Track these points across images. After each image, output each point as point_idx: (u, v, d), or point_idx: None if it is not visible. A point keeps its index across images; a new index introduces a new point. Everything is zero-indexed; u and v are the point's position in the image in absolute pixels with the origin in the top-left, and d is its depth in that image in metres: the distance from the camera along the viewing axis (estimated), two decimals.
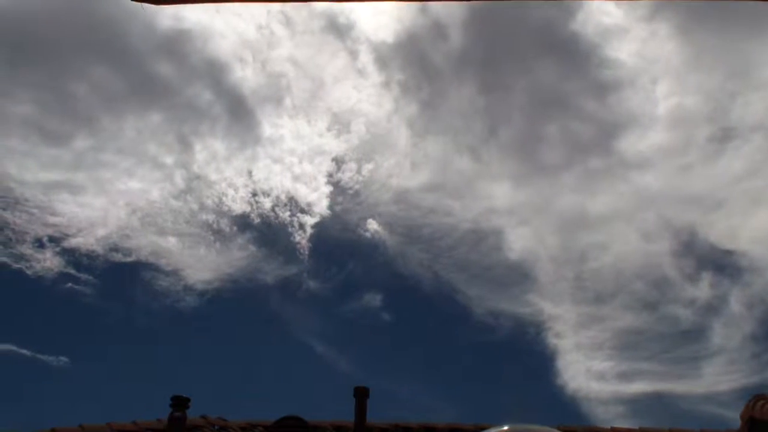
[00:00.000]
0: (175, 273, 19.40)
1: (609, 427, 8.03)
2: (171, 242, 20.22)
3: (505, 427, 4.47)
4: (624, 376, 17.72)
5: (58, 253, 18.86)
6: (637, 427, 8.01)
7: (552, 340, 18.87)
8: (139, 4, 2.37)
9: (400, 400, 17.22)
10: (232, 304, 20.27)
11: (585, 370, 18.14)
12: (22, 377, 18.19)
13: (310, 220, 20.63)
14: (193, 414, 6.69)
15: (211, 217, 20.53)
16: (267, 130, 21.76)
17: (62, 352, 18.10)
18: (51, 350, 18.03)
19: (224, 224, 20.56)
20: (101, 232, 19.38)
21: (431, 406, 16.83)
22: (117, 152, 20.80)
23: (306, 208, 20.73)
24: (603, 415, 16.78)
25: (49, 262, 18.78)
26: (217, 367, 19.06)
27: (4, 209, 18.71)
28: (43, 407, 16.49)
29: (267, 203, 20.69)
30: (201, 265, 20.03)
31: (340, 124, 21.77)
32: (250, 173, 20.98)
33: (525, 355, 19.56)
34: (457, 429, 7.67)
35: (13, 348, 17.66)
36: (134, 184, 20.60)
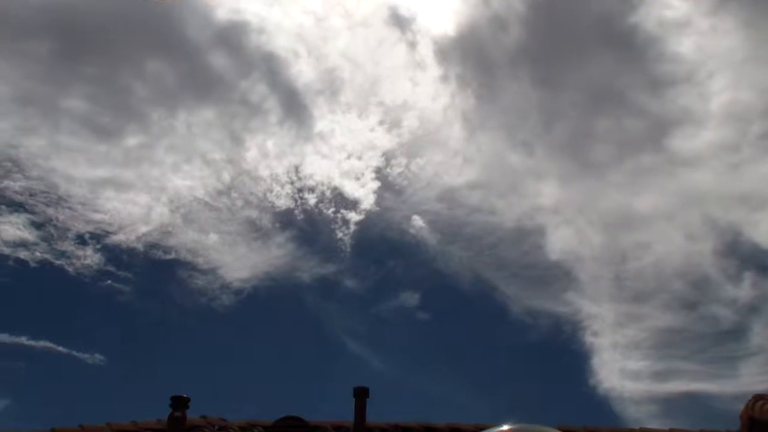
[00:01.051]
0: (212, 271, 19.33)
1: (609, 427, 8.05)
2: (211, 240, 20.10)
3: (505, 427, 4.47)
4: (659, 376, 17.63)
5: (98, 250, 18.90)
6: (637, 428, 8.05)
7: (588, 339, 18.75)
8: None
9: (432, 399, 17.22)
10: (267, 303, 20.15)
11: (619, 369, 18.00)
12: (58, 375, 18.18)
13: (354, 217, 20.49)
14: (193, 414, 6.69)
15: (254, 214, 20.38)
16: (319, 125, 21.51)
17: (99, 350, 18.06)
18: (87, 348, 17.98)
19: (266, 221, 20.42)
20: (143, 229, 19.35)
21: (463, 405, 16.71)
22: (166, 148, 20.71)
23: (351, 205, 20.58)
24: (635, 415, 16.70)
25: (89, 259, 18.81)
26: (246, 367, 19.00)
27: (47, 205, 18.67)
28: (77, 405, 16.46)
29: (312, 199, 20.57)
30: (239, 263, 19.91)
31: (392, 118, 21.50)
32: (297, 169, 20.75)
33: (560, 354, 19.48)
34: (457, 429, 7.67)
35: (50, 345, 17.66)
36: (180, 181, 20.41)
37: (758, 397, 6.72)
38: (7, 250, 18.09)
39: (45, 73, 19.73)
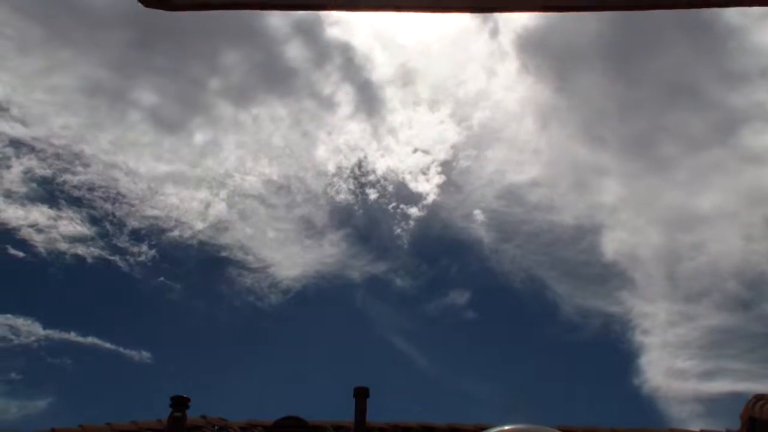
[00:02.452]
0: (262, 270, 19.00)
1: (609, 427, 8.05)
2: (265, 237, 19.83)
3: (505, 427, 4.47)
4: (705, 375, 17.30)
5: (153, 246, 18.77)
6: (637, 427, 8.04)
7: (638, 338, 18.37)
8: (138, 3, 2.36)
9: (476, 399, 17.14)
10: (315, 302, 19.86)
11: (666, 368, 17.68)
12: (104, 372, 18.06)
13: (415, 212, 19.99)
14: (193, 414, 6.69)
15: (310, 211, 20.08)
16: (390, 118, 20.99)
17: (146, 347, 17.85)
18: (135, 345, 17.81)
19: (323, 218, 20.11)
20: (199, 225, 19.17)
21: (504, 405, 16.60)
22: (233, 143, 20.54)
23: (414, 199, 20.06)
24: (679, 415, 16.43)
25: (143, 255, 18.72)
26: (288, 367, 18.77)
27: (105, 200, 18.57)
28: (121, 403, 16.41)
29: (373, 194, 20.16)
30: (290, 261, 19.62)
31: (464, 111, 20.78)
32: (361, 163, 20.33)
33: (607, 353, 19.19)
34: (457, 429, 7.68)
35: (98, 341, 17.56)
36: (242, 176, 19.98)
37: (758, 397, 6.72)
38: (64, 246, 17.98)
39: (115, 63, 19.59)
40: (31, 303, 18.05)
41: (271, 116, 20.61)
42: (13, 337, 16.93)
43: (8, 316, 17.08)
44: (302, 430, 6.94)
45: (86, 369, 17.73)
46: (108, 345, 17.60)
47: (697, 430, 7.90)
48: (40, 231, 17.93)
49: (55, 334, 17.28)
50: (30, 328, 17.08)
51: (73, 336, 17.38)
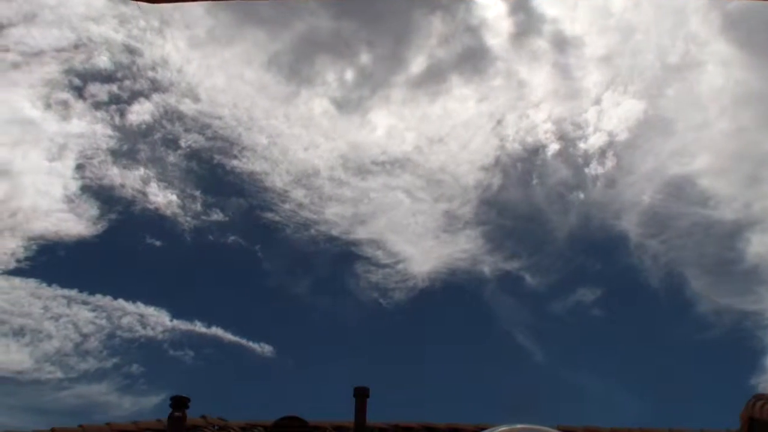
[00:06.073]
0: (391, 266, 18.62)
1: (609, 427, 8.06)
2: (398, 231, 19.38)
3: (506, 427, 4.47)
4: None
5: (285, 238, 18.78)
6: (636, 428, 8.04)
7: None
8: (136, 3, 2.37)
9: (589, 397, 16.77)
10: (440, 299, 19.28)
11: None
12: (223, 364, 17.94)
13: (578, 197, 19.41)
14: (193, 414, 6.69)
15: (453, 206, 19.47)
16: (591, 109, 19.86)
17: (269, 340, 17.60)
18: (257, 337, 17.54)
19: (468, 212, 19.45)
20: (338, 220, 18.95)
21: (621, 405, 16.11)
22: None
23: (568, 193, 19.46)
24: None
25: (278, 246, 18.81)
26: (400, 367, 18.24)
27: (250, 190, 18.56)
28: (238, 398, 16.24)
29: (538, 187, 19.82)
30: (421, 257, 19.11)
31: (651, 92, 19.42)
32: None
33: (733, 352, 18.27)
34: (457, 429, 7.68)
35: (220, 332, 17.40)
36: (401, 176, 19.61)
37: (758, 397, 6.71)
38: (203, 234, 18.25)
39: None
40: (162, 292, 18.06)
41: (459, 110, 19.93)
42: (139, 328, 16.94)
43: (139, 304, 17.14)
44: (302, 431, 6.94)
45: (206, 362, 17.59)
46: (230, 336, 17.38)
47: (697, 430, 7.90)
48: (181, 217, 18.07)
49: (180, 324, 17.22)
50: (158, 319, 17.09)
51: (197, 326, 17.30)
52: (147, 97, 18.15)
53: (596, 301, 18.77)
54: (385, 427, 7.47)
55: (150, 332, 16.96)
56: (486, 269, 18.98)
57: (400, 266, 18.59)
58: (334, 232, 18.73)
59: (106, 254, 18.25)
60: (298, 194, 18.69)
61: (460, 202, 19.35)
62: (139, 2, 2.37)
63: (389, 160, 19.41)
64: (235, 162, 18.42)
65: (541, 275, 19.09)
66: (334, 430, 7.37)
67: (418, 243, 19.26)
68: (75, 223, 17.13)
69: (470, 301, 19.71)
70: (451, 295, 19.37)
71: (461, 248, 18.94)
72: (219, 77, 19.68)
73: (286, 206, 18.51)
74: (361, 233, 18.87)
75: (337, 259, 19.30)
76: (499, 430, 4.45)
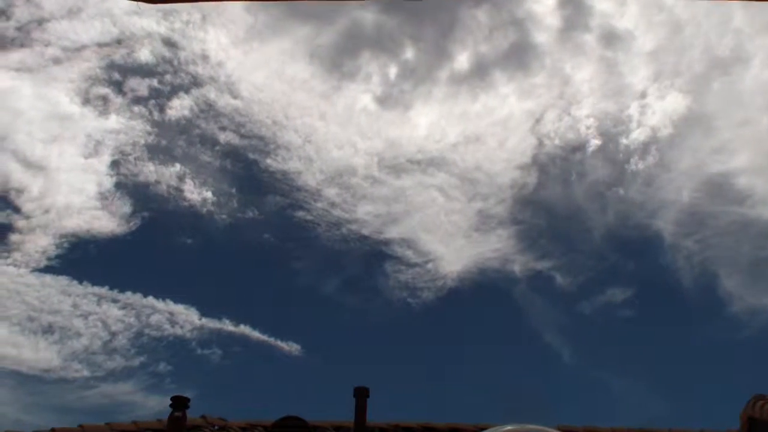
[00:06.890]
0: (421, 265, 18.46)
1: (609, 427, 8.05)
2: (433, 233, 19.28)
3: (505, 428, 4.47)
4: None
5: (316, 238, 18.76)
6: (636, 428, 8.03)
7: None
8: (135, 3, 2.37)
9: (617, 398, 16.71)
10: (469, 298, 19.12)
11: None
12: (250, 363, 17.91)
13: (616, 193, 19.20)
14: (193, 414, 6.69)
15: (487, 205, 19.35)
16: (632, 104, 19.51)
17: (297, 339, 17.53)
18: (286, 336, 17.46)
19: (501, 211, 19.26)
20: (370, 219, 18.85)
21: (649, 406, 15.78)
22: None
23: (607, 190, 19.19)
24: None
25: (309, 245, 18.80)
26: (425, 368, 18.21)
27: (282, 188, 18.53)
28: (263, 398, 16.42)
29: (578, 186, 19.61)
30: (452, 256, 18.90)
31: (694, 86, 19.06)
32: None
33: (755, 352, 17.84)
34: (457, 429, 7.67)
35: (248, 330, 17.34)
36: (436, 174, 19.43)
37: (758, 397, 6.71)
38: (234, 231, 18.32)
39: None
40: (192, 290, 18.08)
41: (500, 109, 19.81)
42: (168, 326, 16.89)
43: (168, 302, 17.10)
44: (302, 431, 6.94)
45: (233, 361, 17.51)
46: (258, 334, 17.30)
47: (698, 430, 7.89)
48: (217, 215, 18.15)
49: (209, 323, 17.15)
50: (187, 317, 17.04)
51: (225, 325, 17.23)
52: (186, 91, 18.23)
53: (626, 301, 18.63)
54: (385, 427, 7.47)
55: (179, 330, 16.96)
56: (516, 269, 18.89)
57: (430, 266, 18.44)
58: (365, 231, 18.61)
59: (138, 252, 18.34)
60: (331, 193, 18.65)
61: (495, 201, 19.19)
62: (139, 2, 2.37)
63: (425, 158, 19.35)
64: (269, 160, 18.45)
65: (572, 275, 18.94)
66: (334, 430, 7.36)
67: (450, 242, 19.12)
68: (108, 221, 17.27)
69: (499, 301, 19.62)
70: (481, 294, 19.23)
71: (492, 248, 18.82)
72: (259, 73, 19.71)
73: (318, 205, 18.47)
74: (392, 232, 18.79)
75: (367, 259, 19.23)
76: (499, 430, 4.45)
